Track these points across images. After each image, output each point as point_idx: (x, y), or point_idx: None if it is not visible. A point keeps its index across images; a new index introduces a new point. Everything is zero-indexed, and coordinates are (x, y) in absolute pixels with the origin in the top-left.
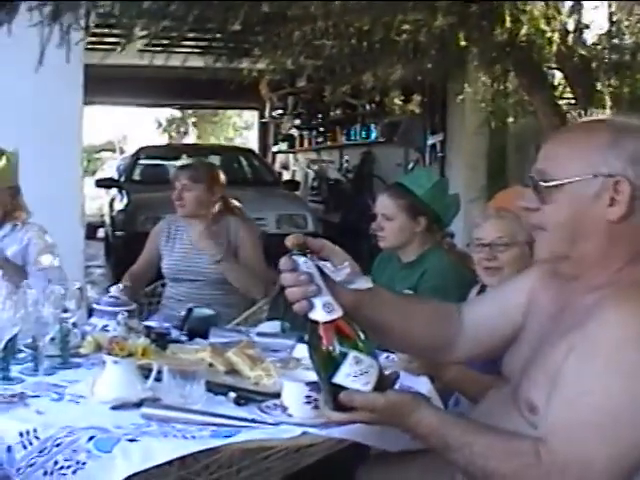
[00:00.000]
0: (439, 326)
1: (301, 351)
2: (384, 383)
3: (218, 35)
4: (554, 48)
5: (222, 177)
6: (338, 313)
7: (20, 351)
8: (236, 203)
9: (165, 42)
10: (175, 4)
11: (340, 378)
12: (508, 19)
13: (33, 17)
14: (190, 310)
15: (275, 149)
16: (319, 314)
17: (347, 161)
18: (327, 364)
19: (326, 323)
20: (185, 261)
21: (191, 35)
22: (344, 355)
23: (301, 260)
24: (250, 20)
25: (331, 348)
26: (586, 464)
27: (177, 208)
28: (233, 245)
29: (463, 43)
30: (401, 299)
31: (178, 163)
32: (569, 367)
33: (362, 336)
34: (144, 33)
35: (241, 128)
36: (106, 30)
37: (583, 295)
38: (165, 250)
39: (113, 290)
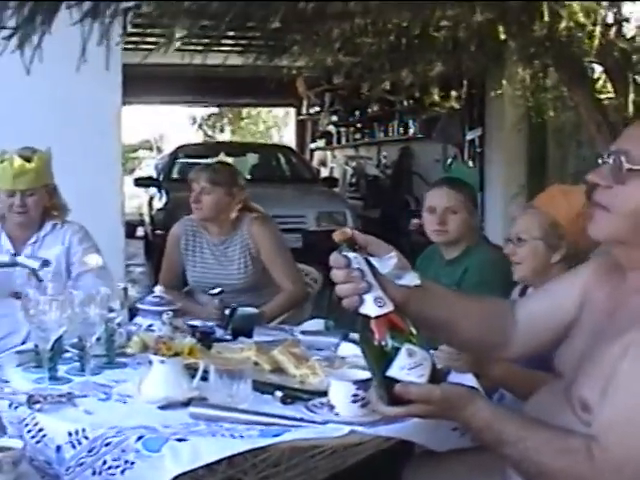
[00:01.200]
0: (493, 322)
1: (346, 349)
2: (438, 376)
3: (257, 34)
4: (595, 42)
5: (242, 180)
6: (389, 307)
7: (66, 351)
8: (255, 205)
9: (204, 41)
10: (215, 3)
11: (394, 371)
12: (547, 14)
13: (73, 16)
14: (234, 309)
15: (313, 146)
16: (370, 309)
17: (385, 157)
18: (380, 358)
19: (378, 317)
20: (209, 274)
21: (230, 34)
22: (397, 348)
23: (351, 256)
24: (289, 18)
25: (384, 342)
26: None
27: (194, 211)
28: (255, 248)
29: (502, 38)
30: (453, 295)
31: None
32: (625, 366)
33: (414, 329)
34: (183, 33)
35: (271, 126)
36: (144, 30)
37: (639, 294)
38: (187, 260)
39: (157, 290)
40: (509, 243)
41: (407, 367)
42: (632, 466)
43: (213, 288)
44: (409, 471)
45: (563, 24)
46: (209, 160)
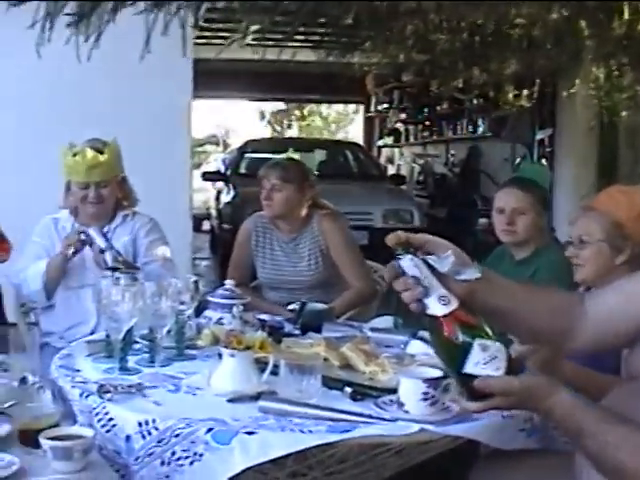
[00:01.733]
0: (559, 311)
1: (415, 347)
2: (515, 367)
3: (330, 30)
4: None
5: (312, 177)
6: (454, 304)
7: (137, 342)
8: (325, 202)
9: (275, 37)
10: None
11: (470, 367)
12: (627, 12)
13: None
14: (304, 304)
15: (380, 143)
16: (436, 309)
17: (453, 155)
18: (454, 356)
19: (445, 316)
20: (279, 271)
21: (302, 30)
22: (469, 344)
23: (406, 260)
24: (362, 15)
25: (455, 339)
26: None
27: (264, 208)
28: (325, 245)
29: (578, 36)
30: (516, 285)
31: (283, 156)
32: None
33: (484, 323)
34: (257, 28)
35: (339, 122)
36: (216, 25)
37: None
38: (257, 256)
39: (228, 283)
40: (569, 245)
41: (482, 362)
42: None
43: (283, 286)
44: (476, 472)
45: None
46: (277, 155)
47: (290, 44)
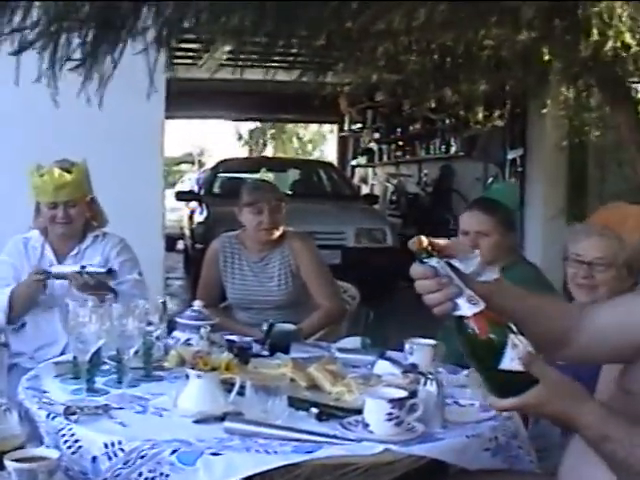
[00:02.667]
0: (558, 322)
1: (382, 367)
2: None
3: (303, 50)
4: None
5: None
6: (483, 304)
7: (104, 363)
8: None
9: (249, 57)
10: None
11: (506, 364)
12: (595, 33)
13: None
14: (272, 325)
15: (354, 163)
16: (467, 309)
17: (426, 175)
18: (490, 354)
19: (476, 315)
20: (248, 291)
21: (276, 50)
22: (504, 340)
23: (434, 262)
24: (334, 36)
25: (490, 337)
26: None
27: (266, 234)
28: (295, 265)
29: (546, 58)
30: (522, 291)
31: (257, 176)
32: None
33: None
34: (230, 49)
35: (314, 141)
36: (189, 45)
37: None
38: (226, 276)
39: (196, 304)
40: (580, 265)
41: (517, 357)
42: None
43: (253, 306)
44: None
45: (609, 44)
46: (251, 175)
47: (264, 64)
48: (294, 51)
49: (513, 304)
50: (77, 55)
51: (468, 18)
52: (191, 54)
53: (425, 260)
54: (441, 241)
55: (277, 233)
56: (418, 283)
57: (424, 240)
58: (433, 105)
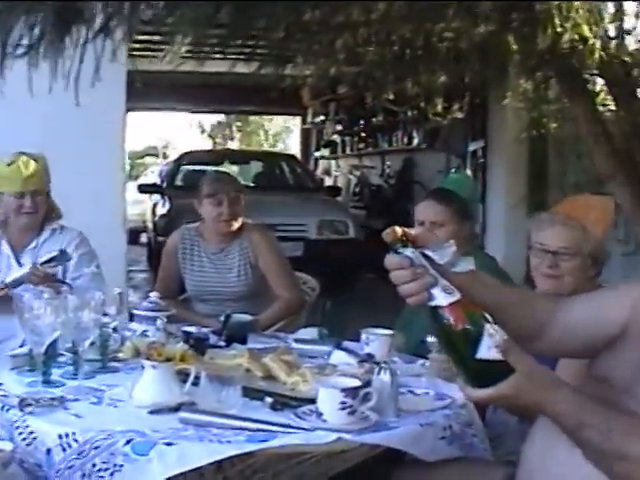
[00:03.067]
0: (532, 313)
1: (338, 357)
2: None
3: (262, 42)
4: (596, 55)
5: None
6: (458, 293)
7: (60, 355)
8: None
9: (210, 49)
10: (219, 14)
11: (483, 353)
12: (552, 26)
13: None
14: (228, 316)
15: (317, 155)
16: (443, 299)
17: (389, 167)
18: (466, 343)
19: (452, 304)
20: (207, 282)
21: (236, 42)
22: (480, 330)
23: (409, 252)
24: (293, 28)
25: (466, 326)
26: None
27: (222, 226)
28: (254, 256)
29: (504, 50)
30: (496, 282)
31: (221, 169)
32: None
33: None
34: (189, 41)
35: (278, 133)
36: (150, 37)
37: None
38: (185, 268)
39: (152, 295)
40: (545, 254)
41: (494, 345)
42: None
43: (212, 297)
44: (397, 477)
45: (566, 37)
46: (214, 167)
47: (225, 56)
48: (253, 43)
49: (488, 295)
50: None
51: (426, 11)
52: (153, 46)
53: (400, 251)
54: (415, 231)
55: (236, 225)
56: (393, 274)
57: (398, 230)
58: (393, 97)
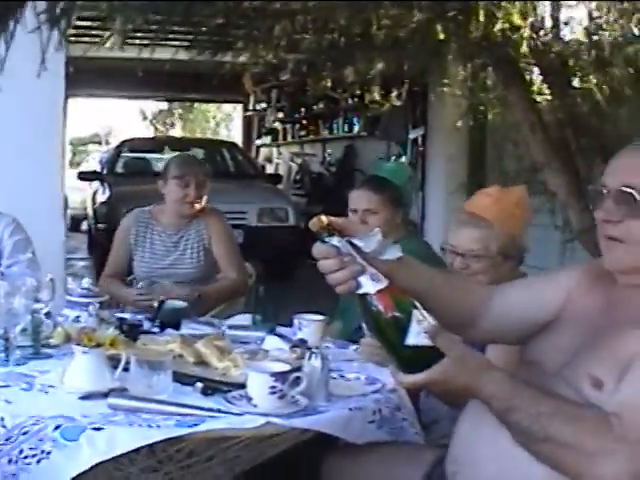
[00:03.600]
0: (465, 301)
1: (270, 343)
2: None
3: (202, 29)
4: (525, 45)
5: None
6: (385, 281)
7: None
8: None
9: (150, 36)
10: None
11: (412, 339)
12: (483, 15)
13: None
14: (162, 302)
15: (259, 142)
16: (370, 287)
17: (330, 154)
18: (395, 330)
19: (380, 292)
20: (158, 264)
21: (176, 29)
22: (408, 316)
23: (336, 241)
24: (231, 15)
25: (394, 313)
26: None
27: (190, 207)
28: (208, 240)
29: (441, 37)
30: (428, 269)
31: (166, 156)
32: None
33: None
34: (128, 27)
35: (221, 120)
36: (90, 23)
37: None
38: (137, 251)
39: (85, 282)
40: (455, 256)
41: (423, 331)
42: None
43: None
44: (330, 462)
45: (498, 26)
46: (154, 155)
47: (165, 43)
48: (193, 30)
49: (418, 282)
50: None
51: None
52: (93, 32)
53: (326, 240)
54: (341, 220)
55: (199, 207)
56: (321, 263)
57: (324, 219)
58: (334, 85)
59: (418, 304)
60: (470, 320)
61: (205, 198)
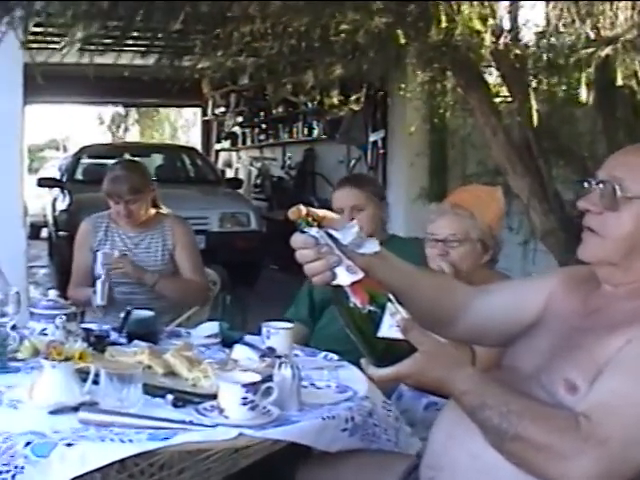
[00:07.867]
0: (446, 299)
1: (239, 352)
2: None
3: (159, 35)
4: (488, 48)
5: (149, 175)
6: (361, 273)
7: None
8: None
9: (107, 41)
10: (118, 6)
11: (384, 331)
12: (444, 19)
13: None
14: (129, 312)
15: (218, 147)
16: (345, 278)
17: (290, 158)
18: (368, 322)
19: (354, 283)
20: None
21: (133, 35)
22: (382, 309)
23: (314, 232)
24: (190, 20)
25: (368, 305)
26: (629, 445)
27: (125, 224)
28: (172, 246)
29: (401, 42)
30: (408, 266)
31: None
32: (627, 354)
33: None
34: (87, 33)
35: (182, 126)
36: (46, 29)
37: (628, 298)
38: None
39: (51, 293)
40: (435, 243)
41: (395, 324)
42: (619, 444)
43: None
44: (304, 472)
45: (458, 30)
46: (114, 161)
47: (122, 49)
48: (151, 35)
49: (396, 277)
50: None
51: (322, 4)
52: (49, 38)
53: (305, 230)
54: (320, 211)
55: (140, 218)
56: (298, 252)
57: (303, 209)
58: (293, 89)
59: (392, 297)
60: (449, 318)
61: (141, 210)
